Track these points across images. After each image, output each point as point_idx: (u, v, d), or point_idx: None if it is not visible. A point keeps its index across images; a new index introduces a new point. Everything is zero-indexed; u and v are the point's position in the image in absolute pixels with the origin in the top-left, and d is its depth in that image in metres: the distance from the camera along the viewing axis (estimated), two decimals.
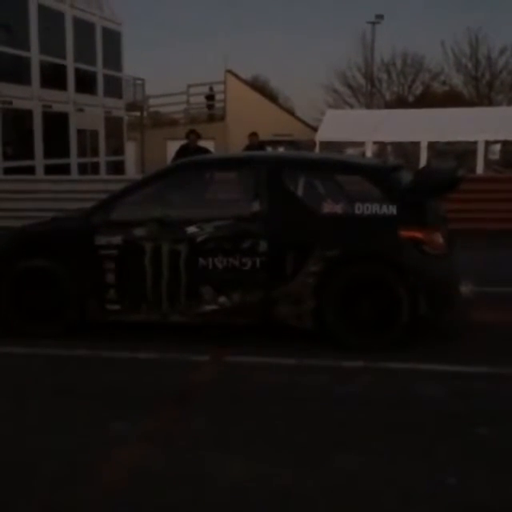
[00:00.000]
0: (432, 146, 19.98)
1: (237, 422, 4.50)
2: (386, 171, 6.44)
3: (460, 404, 4.77)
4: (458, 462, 3.91)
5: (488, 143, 20.17)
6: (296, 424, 4.48)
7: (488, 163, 20.85)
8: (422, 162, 18.22)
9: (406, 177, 6.43)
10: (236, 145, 21.41)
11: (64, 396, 5.03)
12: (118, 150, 23.29)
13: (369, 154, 19.58)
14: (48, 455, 4.07)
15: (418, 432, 4.32)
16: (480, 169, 18.58)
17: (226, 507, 3.51)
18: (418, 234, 5.88)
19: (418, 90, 41.26)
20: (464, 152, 20.79)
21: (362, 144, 20.42)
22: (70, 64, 19.75)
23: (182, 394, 5.08)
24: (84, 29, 20.38)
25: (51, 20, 18.58)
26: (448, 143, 20.89)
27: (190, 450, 4.12)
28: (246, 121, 24.70)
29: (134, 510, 3.50)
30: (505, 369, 5.44)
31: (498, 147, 24.23)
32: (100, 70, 21.50)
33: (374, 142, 20.26)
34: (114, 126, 22.57)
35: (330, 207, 6.12)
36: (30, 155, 17.58)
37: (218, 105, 32.52)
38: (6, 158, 16.66)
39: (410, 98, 40.19)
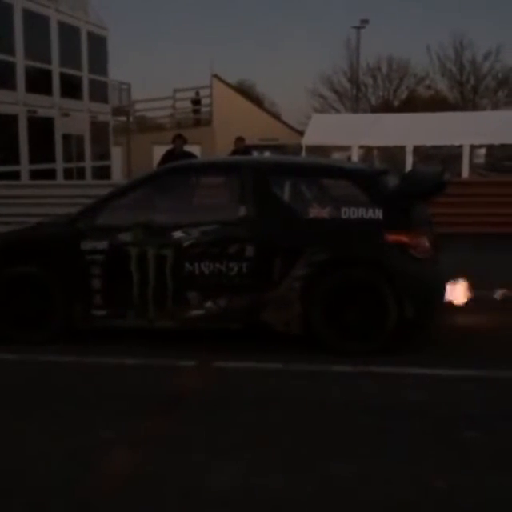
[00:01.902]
0: (417, 150, 20.05)
1: (225, 428, 4.49)
2: (372, 175, 6.46)
3: (448, 408, 4.78)
4: (447, 466, 3.91)
5: (473, 147, 20.28)
6: (285, 429, 4.47)
7: (473, 167, 20.96)
8: (408, 166, 18.28)
9: (392, 181, 6.45)
10: (222, 150, 21.40)
11: (52, 402, 5.00)
12: (104, 154, 23.20)
13: (355, 158, 19.62)
14: (41, 460, 4.04)
15: (406, 436, 4.32)
16: (465, 173, 18.67)
17: None
18: (404, 238, 5.90)
19: (404, 94, 41.47)
20: (449, 156, 20.89)
21: (348, 148, 20.46)
22: (56, 69, 19.67)
23: (169, 399, 5.06)
24: (69, 33, 20.30)
25: (36, 24, 18.50)
26: (433, 147, 20.98)
27: (178, 456, 4.09)
28: (233, 125, 24.66)
29: None
30: (491, 372, 5.46)
31: (482, 151, 24.39)
32: (85, 74, 21.42)
33: (360, 147, 20.30)
34: (99, 130, 22.49)
35: (316, 211, 6.12)
36: (16, 160, 17.47)
37: (204, 109, 32.49)
38: None
39: (396, 103, 40.36)
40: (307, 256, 5.93)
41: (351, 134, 19.63)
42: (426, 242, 6.00)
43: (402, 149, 19.71)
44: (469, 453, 4.09)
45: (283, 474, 3.84)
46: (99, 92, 22.44)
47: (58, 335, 6.37)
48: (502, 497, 3.60)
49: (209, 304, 6.14)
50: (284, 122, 35.77)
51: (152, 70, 64.06)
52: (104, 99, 23.02)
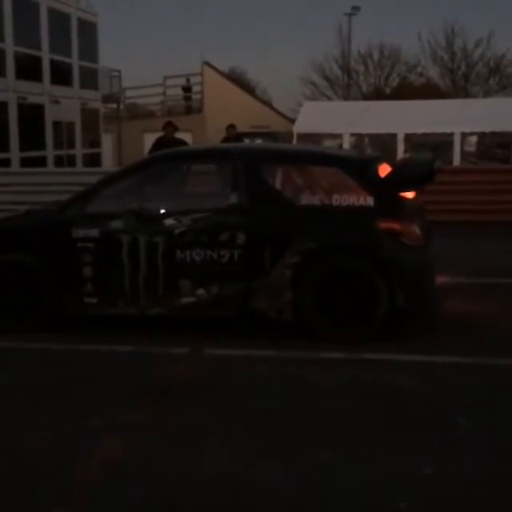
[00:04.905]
0: (409, 137, 20.04)
1: (216, 416, 4.49)
2: (363, 163, 6.45)
3: (439, 395, 4.80)
4: (438, 453, 3.93)
5: (464, 135, 20.28)
6: (276, 417, 4.47)
7: (464, 155, 20.96)
8: (399, 153, 18.28)
9: (384, 168, 6.44)
10: (214, 137, 21.32)
11: (41, 391, 4.99)
12: (95, 142, 23.10)
13: (346, 145, 19.59)
14: (26, 451, 4.03)
15: (397, 423, 4.34)
16: (456, 160, 18.69)
17: (204, 503, 3.50)
18: (396, 226, 5.90)
19: (395, 81, 41.40)
20: (440, 144, 20.88)
21: (339, 136, 20.43)
22: (46, 55, 19.53)
23: (160, 387, 5.06)
24: (59, 20, 20.14)
25: (26, 10, 18.35)
26: (425, 135, 20.97)
27: (169, 444, 4.10)
28: (224, 113, 24.58)
29: (114, 504, 3.49)
30: (483, 359, 5.48)
31: (474, 139, 24.38)
32: (76, 61, 21.28)
33: (352, 134, 20.28)
34: (90, 118, 22.37)
35: (307, 199, 6.12)
36: (6, 148, 17.38)
37: (195, 97, 32.34)
38: None
39: (387, 90, 40.29)
40: (298, 243, 5.93)
41: (342, 121, 19.60)
42: (417, 230, 6.00)
43: (394, 136, 19.70)
44: (460, 440, 4.10)
45: (273, 460, 3.85)
46: (89, 79, 22.31)
47: (48, 323, 6.35)
48: (491, 484, 3.62)
49: (200, 291, 6.13)
50: (275, 110, 35.69)
51: (143, 57, 63.74)
52: (94, 86, 22.89)
